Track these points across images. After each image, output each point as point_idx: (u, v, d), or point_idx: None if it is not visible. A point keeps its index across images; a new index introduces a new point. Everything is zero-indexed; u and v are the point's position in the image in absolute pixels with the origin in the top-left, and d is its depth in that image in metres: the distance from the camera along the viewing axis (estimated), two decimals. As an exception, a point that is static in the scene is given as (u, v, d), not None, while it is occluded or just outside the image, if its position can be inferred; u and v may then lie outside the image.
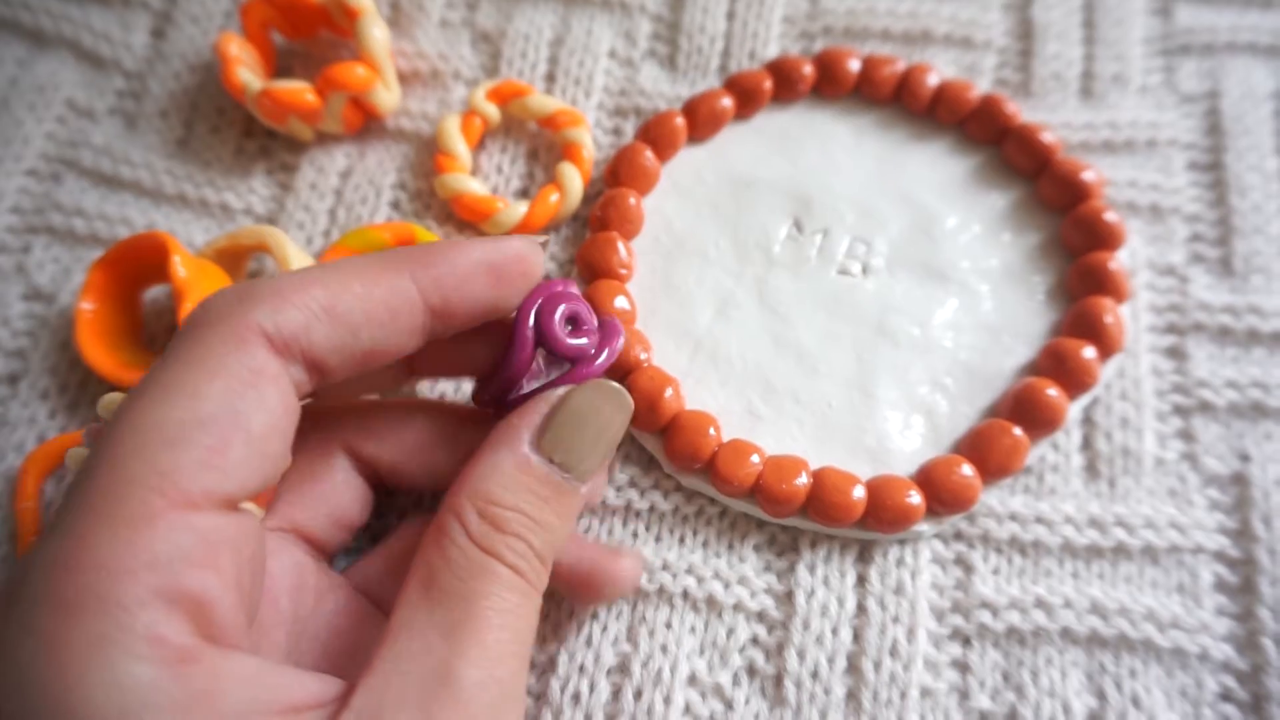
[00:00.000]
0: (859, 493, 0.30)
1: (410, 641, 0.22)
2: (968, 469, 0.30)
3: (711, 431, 0.31)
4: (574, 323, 0.26)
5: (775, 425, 0.32)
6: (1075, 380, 0.32)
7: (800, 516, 0.31)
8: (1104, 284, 0.33)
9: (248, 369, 0.22)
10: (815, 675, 0.29)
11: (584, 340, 0.26)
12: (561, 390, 0.26)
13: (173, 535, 0.20)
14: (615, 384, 0.26)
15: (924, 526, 0.30)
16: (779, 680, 0.29)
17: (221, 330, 0.22)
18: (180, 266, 0.30)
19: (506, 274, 0.25)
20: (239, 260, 0.34)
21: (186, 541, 0.20)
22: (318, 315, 0.23)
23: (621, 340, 0.27)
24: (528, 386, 0.27)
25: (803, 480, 0.30)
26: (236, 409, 0.21)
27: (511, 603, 0.24)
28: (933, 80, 0.36)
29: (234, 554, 0.21)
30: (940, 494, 0.30)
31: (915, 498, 0.30)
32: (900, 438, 0.32)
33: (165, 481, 0.20)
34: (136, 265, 0.32)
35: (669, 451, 0.31)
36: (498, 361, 0.27)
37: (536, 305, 0.26)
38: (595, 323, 0.27)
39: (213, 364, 0.22)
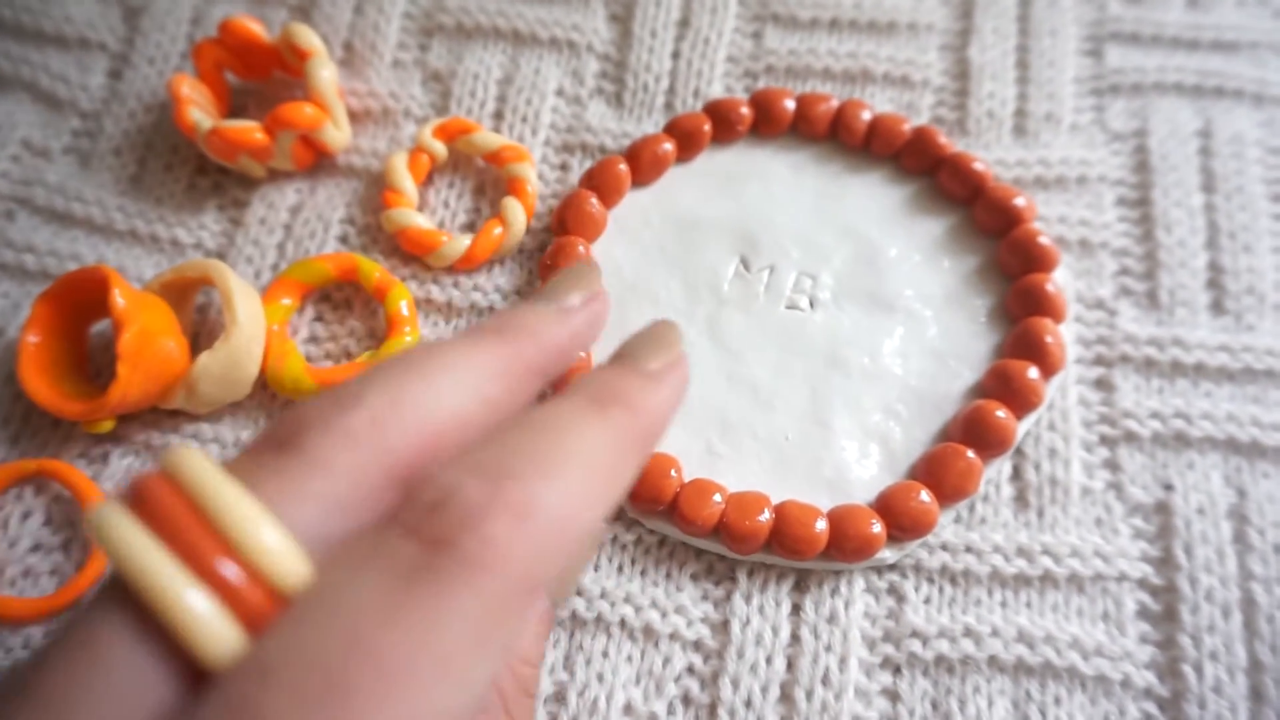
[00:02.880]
0: (821, 525, 0.31)
1: None
2: (925, 495, 0.31)
3: (673, 473, 0.31)
4: None
5: (735, 462, 0.33)
6: (1021, 400, 0.32)
7: (765, 551, 0.31)
8: (1042, 305, 0.34)
9: (518, 639, 0.21)
10: (749, 704, 0.30)
11: None
12: None
13: None
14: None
15: (886, 553, 0.31)
16: (713, 709, 0.30)
17: (516, 586, 0.16)
18: (119, 298, 0.30)
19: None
20: (186, 293, 0.35)
21: None
22: (578, 548, 0.18)
23: None
24: None
25: (765, 516, 0.31)
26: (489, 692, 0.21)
27: None
28: (866, 115, 0.37)
29: None
30: (900, 520, 0.31)
31: (877, 526, 0.31)
32: (858, 466, 0.33)
33: None
34: (81, 299, 0.32)
35: (631, 495, 0.31)
36: None
37: None
38: None
39: (497, 634, 0.16)
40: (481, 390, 0.19)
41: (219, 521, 0.15)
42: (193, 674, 0.15)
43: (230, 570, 0.15)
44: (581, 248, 0.36)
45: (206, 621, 0.14)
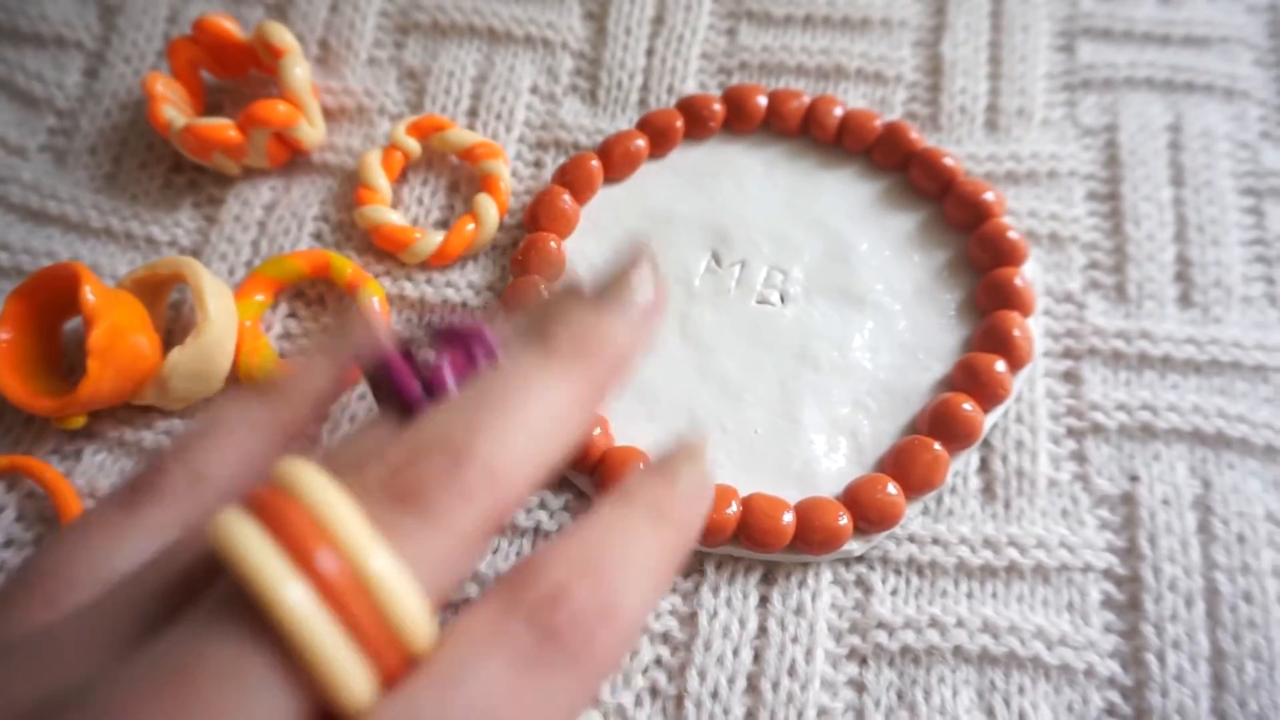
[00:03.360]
0: (788, 517, 0.31)
1: None
2: (892, 487, 0.31)
3: (640, 467, 0.32)
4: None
5: (704, 455, 0.33)
6: (989, 393, 0.33)
7: (732, 544, 0.31)
8: (1010, 299, 0.34)
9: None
10: (715, 696, 0.30)
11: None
12: None
13: None
14: None
15: (853, 545, 0.31)
16: (680, 701, 0.30)
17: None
18: (89, 294, 0.31)
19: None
20: (159, 291, 0.35)
21: None
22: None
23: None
24: None
25: (733, 509, 0.31)
26: None
27: None
28: (838, 111, 0.38)
29: None
30: (867, 513, 0.31)
31: (844, 519, 0.31)
32: (826, 460, 0.33)
33: None
34: (53, 296, 0.33)
35: (600, 488, 0.32)
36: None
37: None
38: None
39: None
40: (569, 425, 0.19)
41: (363, 576, 0.15)
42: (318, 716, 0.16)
43: (372, 623, 0.15)
44: (554, 243, 0.36)
45: (351, 669, 0.15)
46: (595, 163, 0.37)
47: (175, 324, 0.36)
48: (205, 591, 0.16)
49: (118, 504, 0.19)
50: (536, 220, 0.36)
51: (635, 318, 0.21)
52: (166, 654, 0.15)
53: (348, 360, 0.22)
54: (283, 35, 0.38)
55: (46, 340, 0.34)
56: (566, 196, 0.37)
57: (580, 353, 0.20)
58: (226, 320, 0.33)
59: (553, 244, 0.36)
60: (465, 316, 0.22)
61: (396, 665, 0.16)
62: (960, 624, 0.30)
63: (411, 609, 0.16)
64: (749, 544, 0.31)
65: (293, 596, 0.15)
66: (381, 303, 0.35)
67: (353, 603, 0.15)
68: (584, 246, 0.37)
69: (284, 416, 0.21)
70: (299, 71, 0.37)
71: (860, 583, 0.32)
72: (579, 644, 0.17)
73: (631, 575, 0.18)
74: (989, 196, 0.36)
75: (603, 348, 0.20)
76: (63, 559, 0.19)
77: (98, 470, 0.33)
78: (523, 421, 0.18)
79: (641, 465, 0.32)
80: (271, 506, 0.16)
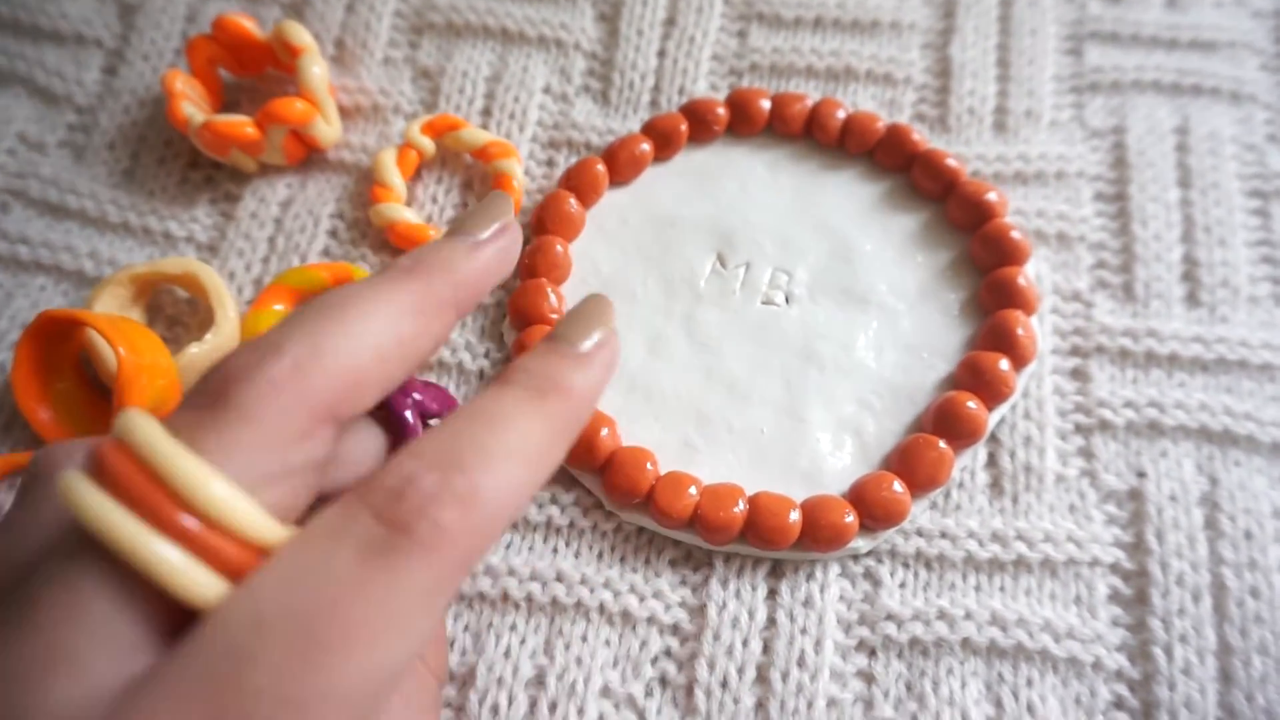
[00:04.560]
0: (794, 515, 0.31)
1: None
2: (898, 485, 0.31)
3: (649, 466, 0.32)
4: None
5: (711, 455, 0.33)
6: (993, 391, 0.33)
7: (739, 542, 0.31)
8: (1014, 298, 0.34)
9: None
10: (725, 685, 0.30)
11: None
12: None
13: None
14: None
15: (859, 543, 0.31)
16: (690, 690, 0.30)
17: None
18: (121, 354, 0.31)
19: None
20: (151, 288, 0.35)
21: None
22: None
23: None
24: None
25: (740, 507, 0.31)
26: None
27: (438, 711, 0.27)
28: (841, 114, 0.38)
29: None
30: (873, 510, 0.31)
31: (850, 516, 0.31)
32: (832, 458, 0.33)
33: None
34: (58, 331, 0.33)
35: (607, 488, 0.32)
36: None
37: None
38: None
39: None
40: (397, 328, 0.20)
41: (171, 481, 0.17)
42: (174, 627, 0.17)
43: (190, 523, 0.17)
44: (560, 247, 0.36)
45: (183, 567, 0.16)
46: (601, 166, 0.38)
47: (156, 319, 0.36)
48: None
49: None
50: (543, 224, 0.37)
51: (591, 363, 0.22)
52: (22, 592, 0.17)
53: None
54: (300, 34, 0.38)
55: (65, 361, 0.34)
56: (572, 200, 0.37)
57: (538, 392, 0.21)
58: (235, 324, 0.34)
59: (559, 247, 0.36)
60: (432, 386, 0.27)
61: (239, 556, 0.17)
62: (968, 617, 0.31)
63: (220, 496, 0.17)
64: (756, 542, 0.31)
65: (94, 499, 0.16)
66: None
67: (161, 503, 0.17)
68: (590, 249, 0.37)
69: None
70: (316, 70, 0.38)
71: (868, 575, 0.32)
72: (427, 530, 0.17)
73: (495, 459, 0.18)
74: (991, 197, 0.36)
75: (560, 389, 0.21)
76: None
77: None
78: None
79: (648, 465, 0.32)
80: (103, 458, 0.17)
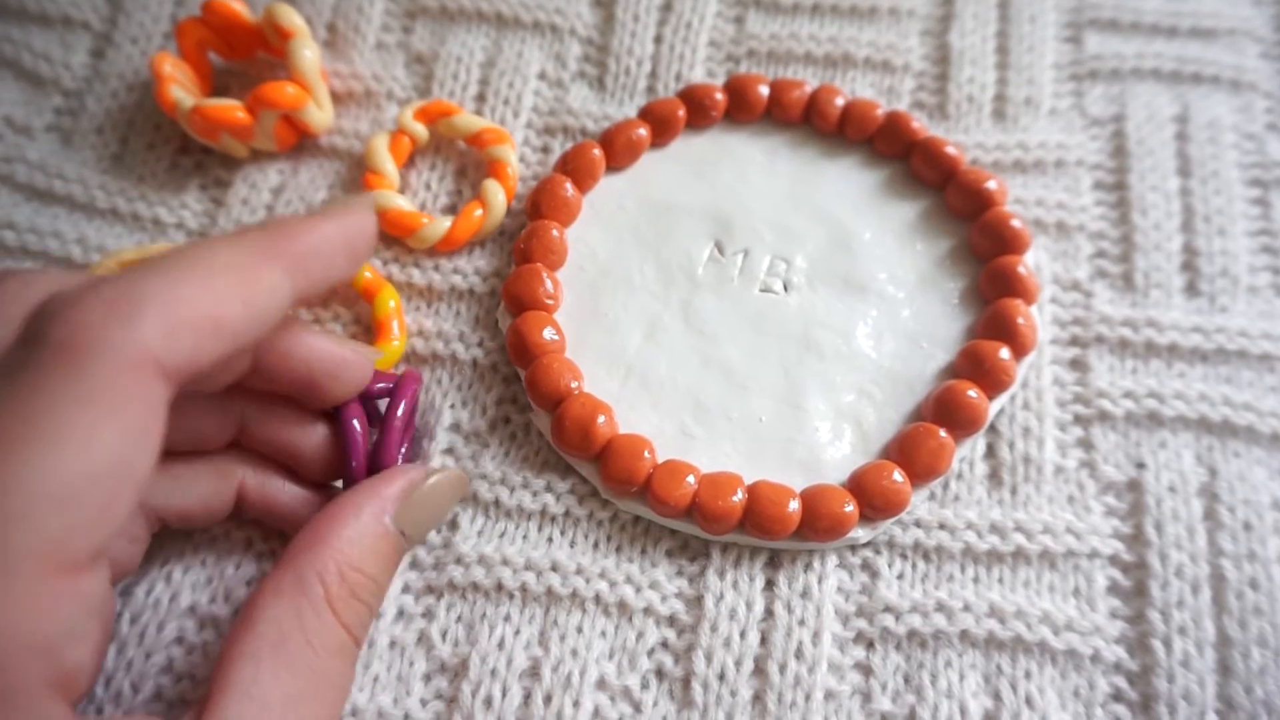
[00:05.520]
0: (794, 505, 0.31)
1: (250, 702, 0.23)
2: (898, 474, 0.31)
3: (646, 454, 0.31)
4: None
5: (709, 444, 0.33)
6: (993, 380, 0.33)
7: (738, 532, 0.31)
8: (1014, 286, 0.34)
9: (142, 410, 0.19)
10: (722, 677, 0.30)
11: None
12: (420, 471, 0.29)
13: (61, 611, 0.19)
14: (463, 474, 0.31)
15: (859, 533, 0.31)
16: (687, 682, 0.30)
17: (110, 361, 0.19)
18: None
19: (356, 250, 0.25)
20: None
21: (73, 616, 0.19)
22: (208, 333, 0.20)
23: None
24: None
25: (738, 497, 0.31)
26: (130, 460, 0.19)
27: (349, 676, 0.25)
28: (840, 101, 0.38)
29: (103, 616, 0.21)
30: (873, 500, 0.31)
31: (849, 506, 0.31)
32: (831, 447, 0.33)
33: (54, 549, 0.18)
34: None
35: (605, 477, 0.31)
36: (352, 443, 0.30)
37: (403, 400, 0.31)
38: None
39: (104, 405, 0.19)
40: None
41: None
42: None
43: None
44: (555, 232, 0.36)
45: None
46: (597, 151, 0.37)
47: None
48: None
49: None
50: (538, 209, 0.36)
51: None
52: None
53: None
54: (291, 17, 0.38)
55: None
56: (568, 185, 0.36)
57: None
58: None
59: (555, 232, 0.36)
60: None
61: None
62: (967, 608, 0.31)
63: None
64: (755, 531, 0.31)
65: None
66: (397, 308, 0.35)
67: None
68: (586, 235, 0.37)
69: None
70: (308, 54, 0.37)
71: (866, 567, 0.32)
72: (65, 336, 0.18)
73: (170, 267, 0.21)
74: (991, 185, 0.36)
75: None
76: None
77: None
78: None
79: (645, 453, 0.32)
80: None
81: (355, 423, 0.30)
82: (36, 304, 0.19)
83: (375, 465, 0.30)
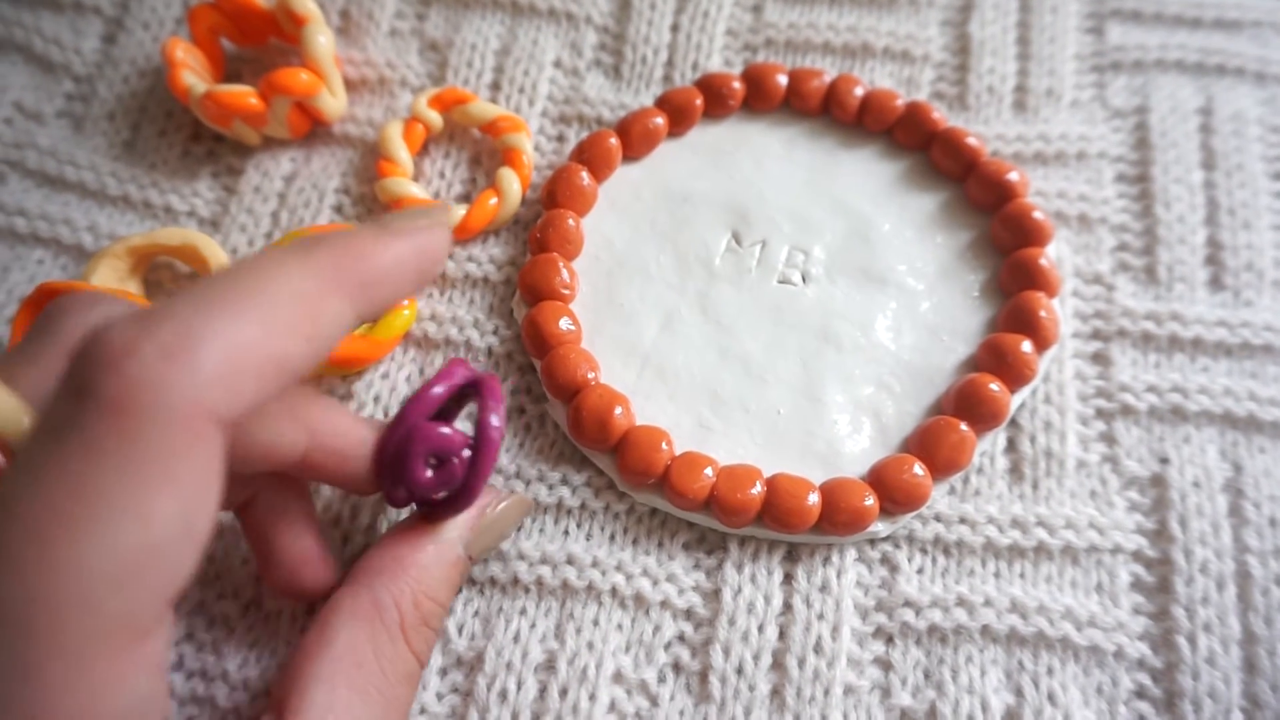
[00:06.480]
0: (813, 498, 0.30)
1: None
2: (919, 468, 0.31)
3: (663, 446, 0.31)
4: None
5: (726, 436, 0.32)
6: (1015, 373, 0.32)
7: (756, 525, 0.31)
8: (1035, 279, 0.34)
9: (202, 468, 0.18)
10: (740, 671, 0.29)
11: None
12: (492, 495, 0.29)
13: (131, 684, 0.18)
14: (527, 498, 0.30)
15: (879, 526, 0.31)
16: (704, 676, 0.29)
17: (166, 421, 0.17)
18: None
19: (426, 271, 0.23)
20: (147, 259, 0.34)
21: (144, 686, 0.18)
22: (270, 377, 0.19)
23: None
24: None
25: (757, 489, 0.30)
26: (191, 523, 0.18)
27: (412, 700, 0.26)
28: (859, 91, 0.37)
29: (165, 666, 0.20)
30: (893, 494, 0.31)
31: (869, 499, 0.30)
32: (850, 440, 0.32)
33: (119, 626, 0.17)
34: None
35: (621, 468, 0.31)
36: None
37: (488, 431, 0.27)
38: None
39: (162, 471, 0.17)
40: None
41: None
42: None
43: None
44: (571, 221, 0.35)
45: None
46: (614, 140, 0.37)
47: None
48: None
49: None
50: (554, 198, 0.36)
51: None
52: None
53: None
54: (305, 3, 0.37)
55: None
56: (584, 174, 0.36)
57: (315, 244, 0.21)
58: None
59: (571, 221, 0.35)
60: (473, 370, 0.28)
61: None
62: (988, 603, 0.30)
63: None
64: (774, 524, 0.30)
65: None
66: (410, 307, 0.35)
67: None
68: (602, 225, 0.36)
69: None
70: (322, 40, 0.37)
71: (886, 561, 0.31)
72: (116, 392, 0.17)
73: (230, 304, 0.19)
74: (1013, 177, 0.35)
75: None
76: None
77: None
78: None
79: (663, 445, 0.31)
80: None
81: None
82: (84, 337, 0.18)
83: (469, 481, 0.27)
